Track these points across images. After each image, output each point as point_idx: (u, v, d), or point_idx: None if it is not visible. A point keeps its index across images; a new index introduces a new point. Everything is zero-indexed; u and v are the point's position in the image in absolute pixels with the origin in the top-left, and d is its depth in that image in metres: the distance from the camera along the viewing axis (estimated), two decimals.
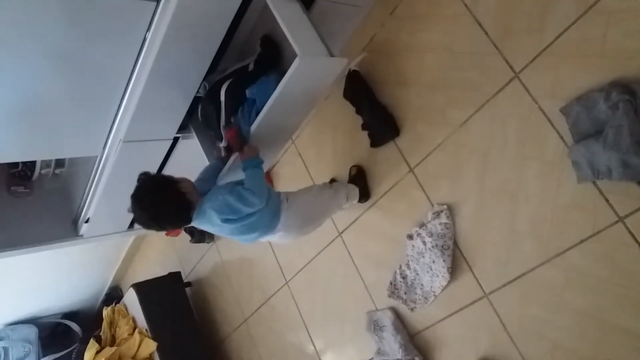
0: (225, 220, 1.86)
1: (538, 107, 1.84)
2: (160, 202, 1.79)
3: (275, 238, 2.09)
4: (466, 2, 2.03)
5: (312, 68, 1.82)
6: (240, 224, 1.90)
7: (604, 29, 1.66)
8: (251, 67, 2.11)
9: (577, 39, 1.72)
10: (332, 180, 2.65)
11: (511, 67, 1.91)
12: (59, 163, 2.67)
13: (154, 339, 3.44)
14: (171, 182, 1.85)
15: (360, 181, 2.48)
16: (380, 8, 2.36)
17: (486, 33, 1.98)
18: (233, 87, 2.08)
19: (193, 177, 2.72)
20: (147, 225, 1.85)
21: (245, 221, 1.89)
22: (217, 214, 1.84)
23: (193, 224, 1.91)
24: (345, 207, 2.44)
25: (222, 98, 2.08)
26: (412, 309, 2.29)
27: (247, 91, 2.05)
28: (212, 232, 2.04)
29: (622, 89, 1.58)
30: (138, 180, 1.83)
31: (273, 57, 2.13)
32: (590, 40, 1.69)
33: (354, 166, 2.55)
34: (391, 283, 2.36)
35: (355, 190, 2.44)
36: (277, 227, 2.01)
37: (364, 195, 2.47)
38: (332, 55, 1.83)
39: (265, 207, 1.90)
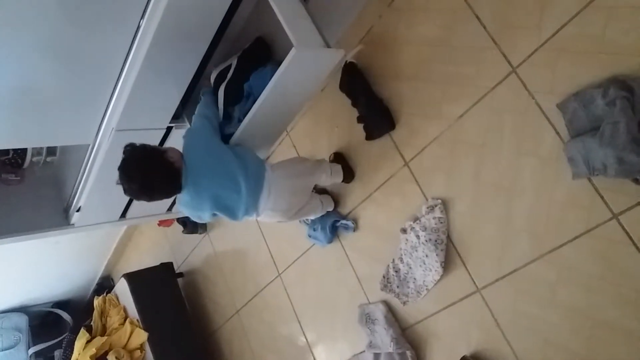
0: (212, 184, 1.90)
1: (535, 103, 1.83)
2: (149, 172, 1.79)
3: (268, 206, 2.05)
4: None
5: (308, 59, 1.80)
6: (225, 181, 1.91)
7: (603, 25, 1.65)
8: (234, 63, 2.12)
9: (576, 34, 1.71)
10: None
11: (509, 62, 1.89)
12: (51, 151, 2.64)
13: (145, 329, 3.43)
14: (158, 151, 1.86)
15: (341, 162, 2.51)
16: (378, 0, 2.34)
17: (484, 27, 1.96)
18: (232, 83, 2.10)
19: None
20: (137, 196, 1.85)
21: (230, 179, 1.91)
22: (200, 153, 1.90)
23: (182, 193, 1.91)
24: (328, 182, 2.44)
25: (221, 94, 2.10)
26: (404, 303, 2.29)
27: (245, 85, 2.05)
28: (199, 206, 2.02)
29: (619, 85, 1.57)
30: (124, 152, 1.82)
31: (259, 56, 2.13)
32: (588, 36, 1.68)
33: (332, 153, 2.58)
34: (384, 276, 2.35)
35: (337, 167, 2.46)
36: (264, 189, 1.99)
37: (348, 173, 2.48)
38: (328, 46, 1.81)
39: (247, 162, 1.95)
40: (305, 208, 2.33)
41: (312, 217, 2.64)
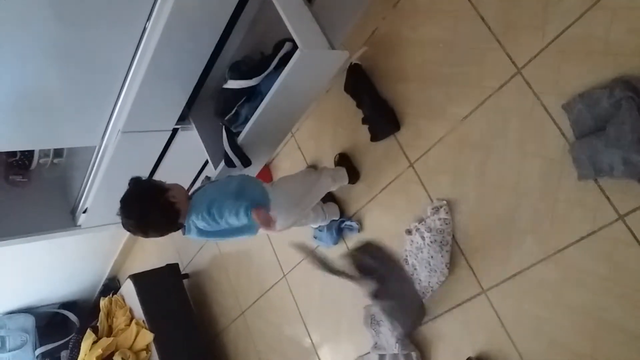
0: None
1: (540, 103, 1.83)
2: (147, 211, 1.78)
3: None
4: None
5: (313, 61, 1.80)
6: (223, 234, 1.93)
7: (608, 25, 1.64)
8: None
9: (581, 35, 1.71)
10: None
11: (514, 63, 1.89)
12: (58, 153, 2.66)
13: (151, 330, 3.44)
14: (160, 190, 1.82)
15: (345, 163, 2.50)
16: (383, 1, 2.34)
17: (489, 28, 1.96)
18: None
19: (191, 167, 2.73)
20: (133, 231, 1.84)
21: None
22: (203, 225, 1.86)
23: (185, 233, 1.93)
24: (334, 189, 2.45)
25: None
26: None
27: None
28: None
29: (625, 86, 1.56)
30: (128, 185, 1.82)
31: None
32: (594, 37, 1.68)
33: (337, 154, 2.58)
34: None
35: (342, 171, 2.46)
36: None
37: (353, 175, 2.48)
38: (333, 48, 1.81)
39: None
40: (303, 221, 2.35)
41: (313, 226, 2.66)
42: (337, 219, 2.60)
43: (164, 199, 1.79)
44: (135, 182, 1.83)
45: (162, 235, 1.89)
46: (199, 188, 2.00)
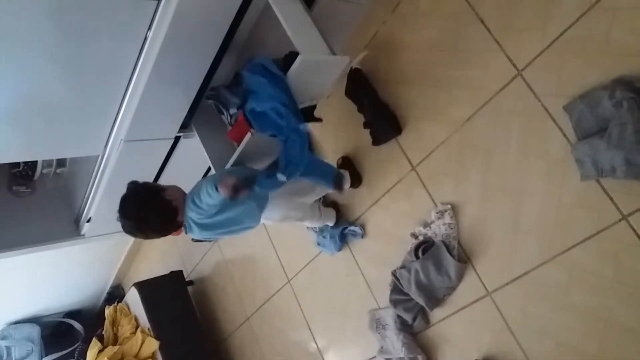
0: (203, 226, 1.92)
1: (541, 105, 1.83)
2: (144, 211, 1.80)
3: (265, 213, 2.09)
4: (468, 0, 2.02)
5: (313, 67, 1.81)
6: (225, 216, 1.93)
7: (609, 26, 1.65)
8: None
9: (581, 36, 1.71)
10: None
11: (514, 65, 1.90)
12: (60, 162, 2.66)
13: (156, 337, 3.44)
14: (156, 190, 1.86)
15: (348, 166, 2.51)
16: (382, 5, 2.35)
17: (489, 30, 1.97)
18: None
19: (194, 174, 2.73)
20: (132, 233, 1.86)
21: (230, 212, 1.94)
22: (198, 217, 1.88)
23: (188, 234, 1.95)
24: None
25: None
26: None
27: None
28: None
29: (626, 86, 1.57)
30: (127, 188, 1.85)
31: None
32: (594, 38, 1.68)
33: (340, 157, 2.59)
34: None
35: (345, 174, 2.46)
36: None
37: (355, 179, 2.50)
38: (334, 53, 1.82)
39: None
40: (302, 218, 2.36)
41: (309, 225, 2.67)
42: (331, 224, 2.61)
43: (161, 198, 1.83)
44: (132, 185, 1.86)
45: (161, 235, 1.90)
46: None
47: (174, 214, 1.85)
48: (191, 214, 1.88)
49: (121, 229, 1.86)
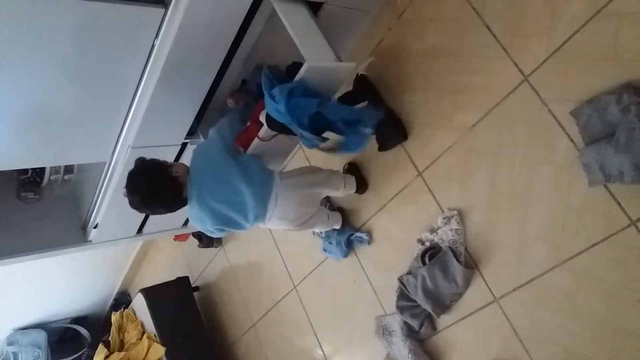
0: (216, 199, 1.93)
1: (548, 110, 1.83)
2: (152, 185, 1.85)
3: (276, 214, 2.06)
4: (474, 6, 2.02)
5: (320, 73, 1.81)
6: (230, 191, 1.93)
7: (615, 31, 1.64)
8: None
9: (587, 41, 1.71)
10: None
11: (520, 71, 1.90)
12: (68, 169, 2.68)
13: (162, 343, 3.44)
14: (164, 166, 1.92)
15: (355, 172, 2.52)
16: (388, 12, 2.35)
17: (495, 36, 1.97)
18: None
19: None
20: (140, 207, 1.90)
21: (233, 189, 1.93)
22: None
23: (190, 206, 1.95)
24: (342, 194, 2.46)
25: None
26: None
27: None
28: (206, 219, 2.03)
29: (633, 91, 1.56)
30: (134, 165, 1.89)
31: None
32: (600, 43, 1.68)
33: (346, 163, 2.59)
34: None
35: (351, 179, 2.47)
36: (271, 198, 2.00)
37: (361, 185, 2.49)
38: (340, 60, 1.82)
39: (252, 170, 1.98)
40: (312, 219, 2.34)
41: (317, 230, 2.67)
42: (338, 227, 2.60)
43: (168, 173, 1.88)
44: (140, 161, 1.90)
45: (167, 210, 1.94)
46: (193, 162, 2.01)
47: (179, 189, 1.90)
48: (196, 189, 1.90)
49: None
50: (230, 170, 1.93)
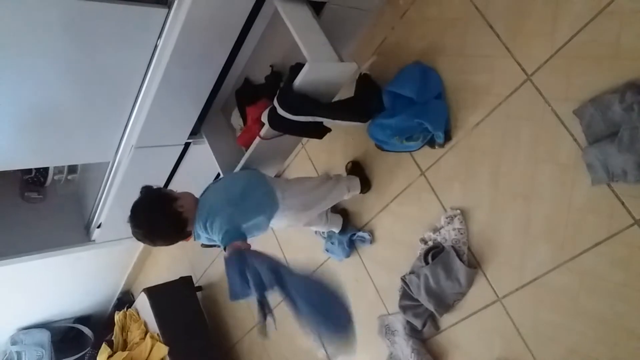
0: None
1: (551, 110, 1.82)
2: (153, 221, 1.81)
3: (274, 221, 2.08)
4: (477, 5, 2.02)
5: (322, 73, 1.82)
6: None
7: (618, 30, 1.64)
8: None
9: (590, 40, 1.71)
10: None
11: (523, 70, 1.89)
12: (72, 169, 2.69)
13: (165, 343, 3.45)
14: (168, 199, 1.84)
15: (358, 172, 2.51)
16: (391, 12, 2.35)
17: (498, 36, 1.96)
18: None
19: (204, 179, 2.74)
20: (141, 240, 1.88)
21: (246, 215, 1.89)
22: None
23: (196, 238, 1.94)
24: (347, 198, 2.46)
25: None
26: None
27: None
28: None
29: (637, 90, 1.56)
30: (140, 193, 1.86)
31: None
32: (603, 42, 1.68)
33: (349, 162, 2.58)
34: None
35: (355, 180, 2.47)
36: (275, 217, 2.03)
37: (365, 185, 2.49)
38: (342, 60, 1.83)
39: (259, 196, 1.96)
40: (310, 222, 2.38)
41: (315, 229, 2.68)
42: (336, 231, 2.61)
43: (172, 209, 1.82)
44: (145, 191, 1.87)
45: (170, 244, 1.91)
46: (207, 188, 2.01)
47: (183, 225, 1.85)
48: (201, 232, 1.88)
49: (131, 235, 1.88)
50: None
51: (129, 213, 1.83)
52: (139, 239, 1.88)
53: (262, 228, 1.97)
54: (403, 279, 2.30)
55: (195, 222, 1.87)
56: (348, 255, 2.64)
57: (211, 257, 4.03)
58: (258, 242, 2.96)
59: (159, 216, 1.81)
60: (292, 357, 3.21)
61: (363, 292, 2.60)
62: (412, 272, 2.27)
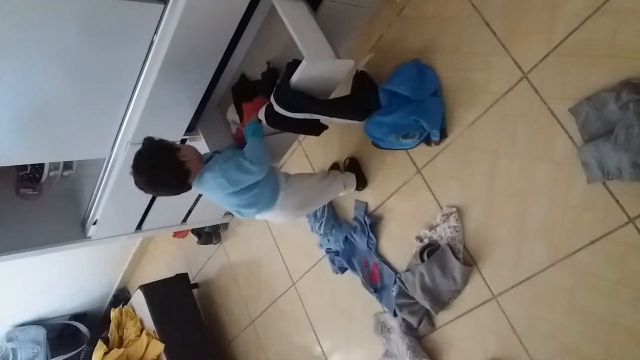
0: (227, 195, 1.92)
1: (547, 108, 1.83)
2: (157, 169, 1.83)
3: (271, 216, 2.13)
4: (474, 3, 2.02)
5: (319, 70, 1.81)
6: (240, 197, 1.94)
7: (614, 28, 1.64)
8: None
9: (587, 38, 1.71)
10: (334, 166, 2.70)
11: (520, 68, 1.89)
12: (67, 165, 2.68)
13: (161, 340, 3.45)
14: (171, 149, 1.88)
15: (355, 169, 2.52)
16: (388, 9, 2.35)
17: (494, 33, 1.96)
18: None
19: None
20: (144, 188, 1.88)
21: (245, 195, 1.93)
22: (218, 186, 1.88)
23: (194, 189, 1.95)
24: (343, 194, 2.49)
25: None
26: None
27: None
28: (213, 200, 2.06)
29: (632, 88, 1.56)
30: (142, 143, 1.86)
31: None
32: (599, 40, 1.68)
33: (347, 158, 2.59)
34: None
35: (352, 178, 2.48)
36: (275, 206, 2.05)
37: (361, 182, 2.50)
38: (339, 57, 1.82)
39: (265, 182, 1.95)
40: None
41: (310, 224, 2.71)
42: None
43: (175, 158, 1.85)
44: (148, 141, 1.87)
45: (172, 193, 1.94)
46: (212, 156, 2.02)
47: (186, 175, 1.88)
48: (210, 182, 1.89)
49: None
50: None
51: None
52: (141, 188, 1.88)
53: (256, 202, 2.00)
54: (399, 277, 2.31)
55: (202, 174, 1.90)
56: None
57: (207, 254, 4.03)
58: (254, 238, 2.98)
59: (163, 164, 1.83)
60: (288, 355, 3.22)
61: (359, 289, 2.61)
62: (407, 270, 2.28)
